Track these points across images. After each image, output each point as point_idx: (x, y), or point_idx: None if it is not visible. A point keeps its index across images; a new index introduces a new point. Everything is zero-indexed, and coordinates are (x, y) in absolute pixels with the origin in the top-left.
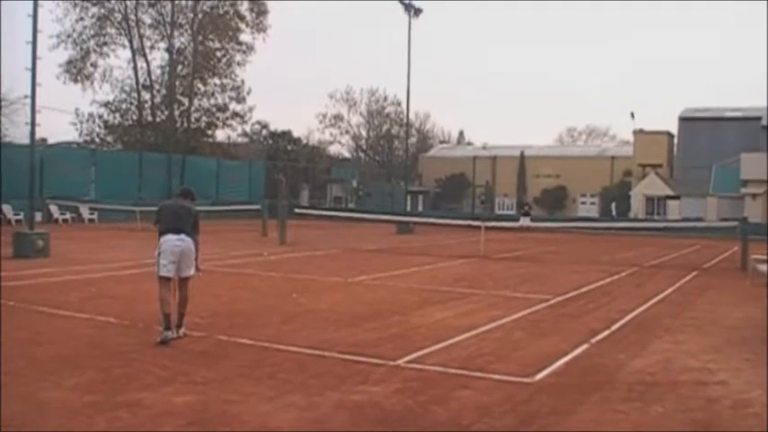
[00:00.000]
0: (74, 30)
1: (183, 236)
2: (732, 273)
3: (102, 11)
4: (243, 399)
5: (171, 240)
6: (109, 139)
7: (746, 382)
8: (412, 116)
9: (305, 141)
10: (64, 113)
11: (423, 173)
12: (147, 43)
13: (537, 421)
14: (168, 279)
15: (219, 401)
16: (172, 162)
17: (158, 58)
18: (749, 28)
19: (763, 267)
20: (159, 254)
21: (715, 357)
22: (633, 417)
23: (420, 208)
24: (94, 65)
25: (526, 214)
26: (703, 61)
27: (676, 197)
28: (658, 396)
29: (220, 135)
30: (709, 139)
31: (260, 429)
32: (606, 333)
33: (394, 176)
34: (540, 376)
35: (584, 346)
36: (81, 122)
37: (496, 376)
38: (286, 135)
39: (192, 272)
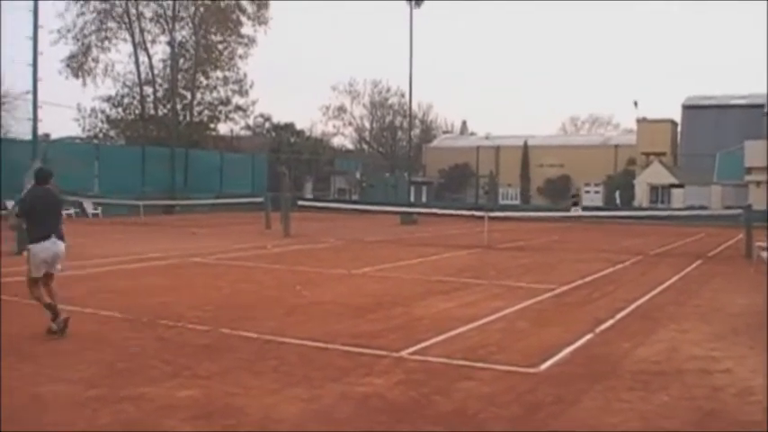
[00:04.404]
0: (75, 25)
1: (54, 239)
2: (736, 260)
3: (103, 5)
4: (246, 392)
5: (47, 248)
6: (112, 133)
7: (751, 369)
8: (415, 107)
9: (308, 133)
10: (67, 109)
11: (426, 163)
12: (149, 37)
13: (542, 410)
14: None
15: (223, 394)
16: (175, 156)
17: (160, 51)
18: (753, 14)
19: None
20: (30, 258)
21: (719, 345)
22: (638, 405)
23: (424, 199)
24: (96, 60)
25: (576, 204)
26: (706, 49)
27: (680, 185)
28: (663, 385)
29: (223, 128)
30: (713, 127)
31: (264, 422)
32: (611, 322)
33: (397, 167)
34: (544, 366)
35: (589, 336)
36: (83, 117)
37: (500, 367)
38: (289, 127)
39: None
